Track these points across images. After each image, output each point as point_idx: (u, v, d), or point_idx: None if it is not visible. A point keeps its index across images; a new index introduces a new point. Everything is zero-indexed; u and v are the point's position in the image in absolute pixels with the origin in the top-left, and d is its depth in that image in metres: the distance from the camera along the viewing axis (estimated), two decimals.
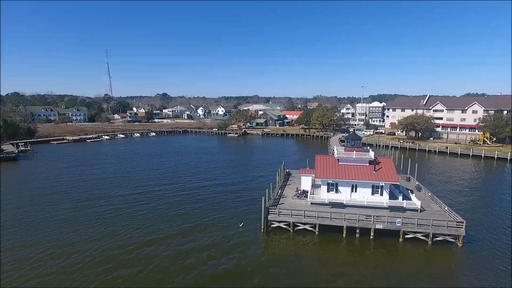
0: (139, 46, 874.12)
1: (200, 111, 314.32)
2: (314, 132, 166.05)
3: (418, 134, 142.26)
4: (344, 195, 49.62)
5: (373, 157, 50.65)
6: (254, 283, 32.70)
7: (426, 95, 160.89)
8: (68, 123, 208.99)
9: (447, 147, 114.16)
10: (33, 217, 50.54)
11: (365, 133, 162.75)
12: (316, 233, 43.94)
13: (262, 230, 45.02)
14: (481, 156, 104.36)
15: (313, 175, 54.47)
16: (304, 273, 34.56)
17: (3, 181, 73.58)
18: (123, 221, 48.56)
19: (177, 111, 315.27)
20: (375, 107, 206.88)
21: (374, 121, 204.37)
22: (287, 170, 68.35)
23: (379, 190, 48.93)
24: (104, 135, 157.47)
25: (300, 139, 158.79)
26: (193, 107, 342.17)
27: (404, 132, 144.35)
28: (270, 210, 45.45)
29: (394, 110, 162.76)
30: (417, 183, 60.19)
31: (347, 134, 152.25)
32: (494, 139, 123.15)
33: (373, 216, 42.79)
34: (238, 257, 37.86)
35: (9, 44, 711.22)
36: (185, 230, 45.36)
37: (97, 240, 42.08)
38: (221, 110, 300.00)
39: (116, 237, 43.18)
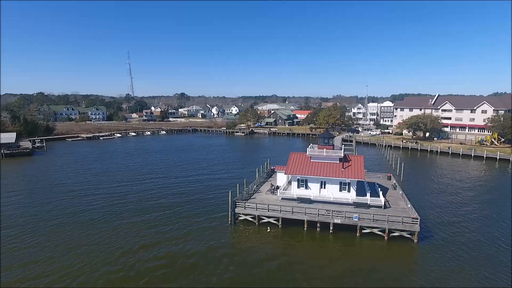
0: (161, 47, 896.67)
1: (214, 110, 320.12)
2: (320, 132, 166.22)
3: (425, 134, 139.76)
4: (313, 191, 51.36)
5: (342, 155, 52.03)
6: (198, 271, 35.38)
7: (435, 95, 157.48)
8: (87, 122, 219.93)
9: (449, 148, 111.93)
10: (30, 204, 55.81)
11: (372, 133, 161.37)
12: (279, 226, 46.11)
13: (229, 222, 47.70)
14: (483, 157, 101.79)
15: None
16: (258, 265, 36.70)
17: (16, 173, 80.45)
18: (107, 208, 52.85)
19: (193, 110, 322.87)
20: (386, 106, 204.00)
21: (385, 121, 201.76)
22: (272, 167, 70.48)
23: (347, 186, 50.34)
24: (116, 133, 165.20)
25: (305, 138, 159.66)
26: (209, 106, 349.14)
27: (411, 132, 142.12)
28: (237, 203, 48.02)
29: (402, 109, 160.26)
30: (394, 182, 60.84)
31: (352, 134, 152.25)
32: (503, 140, 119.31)
33: (332, 211, 44.42)
34: (201, 245, 40.74)
35: (39, 46, 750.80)
36: (156, 220, 48.82)
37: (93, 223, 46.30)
38: (234, 110, 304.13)
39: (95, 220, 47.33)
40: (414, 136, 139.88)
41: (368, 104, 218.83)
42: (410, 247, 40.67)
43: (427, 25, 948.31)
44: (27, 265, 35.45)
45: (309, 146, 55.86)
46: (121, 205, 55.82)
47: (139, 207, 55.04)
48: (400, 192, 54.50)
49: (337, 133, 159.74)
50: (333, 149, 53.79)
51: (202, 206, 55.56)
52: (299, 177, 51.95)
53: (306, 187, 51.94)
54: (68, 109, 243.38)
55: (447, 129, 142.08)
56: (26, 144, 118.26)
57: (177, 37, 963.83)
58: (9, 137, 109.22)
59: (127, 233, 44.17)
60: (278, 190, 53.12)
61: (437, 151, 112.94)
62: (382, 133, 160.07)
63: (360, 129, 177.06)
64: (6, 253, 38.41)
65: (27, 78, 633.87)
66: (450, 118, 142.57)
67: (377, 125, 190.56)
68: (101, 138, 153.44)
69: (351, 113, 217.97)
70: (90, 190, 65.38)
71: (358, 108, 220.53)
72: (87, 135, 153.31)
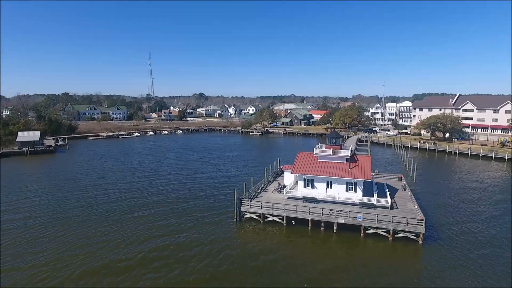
0: (180, 48, 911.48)
1: (231, 110, 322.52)
2: None
3: (445, 135, 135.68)
4: (319, 190, 51.41)
5: (349, 155, 51.76)
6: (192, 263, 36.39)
7: (456, 94, 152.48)
8: (108, 121, 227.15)
9: (468, 149, 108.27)
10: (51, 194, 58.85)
11: (389, 133, 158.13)
12: (284, 225, 46.50)
13: (235, 219, 48.54)
14: (505, 158, 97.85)
15: None
16: (255, 259, 37.48)
17: (38, 169, 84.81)
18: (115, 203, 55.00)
19: (210, 110, 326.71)
20: (405, 106, 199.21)
21: (404, 121, 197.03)
22: (281, 167, 70.78)
23: (353, 186, 50.07)
24: (135, 132, 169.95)
25: (320, 138, 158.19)
26: (226, 106, 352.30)
27: (430, 133, 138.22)
28: (242, 201, 48.79)
29: (421, 109, 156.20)
30: (404, 183, 59.83)
31: (368, 134, 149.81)
32: None
33: (336, 211, 44.39)
34: (204, 239, 41.86)
35: (65, 49, 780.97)
36: (160, 214, 50.36)
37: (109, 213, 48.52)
38: (251, 110, 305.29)
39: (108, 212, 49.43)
40: (432, 137, 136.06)
41: (387, 104, 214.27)
42: (415, 248, 40.08)
43: (458, 23, 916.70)
44: (40, 253, 37.92)
45: (317, 146, 55.93)
46: (132, 200, 57.99)
47: (149, 201, 57.08)
48: (409, 193, 53.59)
49: (353, 133, 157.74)
50: (341, 149, 53.63)
51: (210, 203, 56.81)
52: (305, 177, 52.13)
53: (313, 187, 52.04)
54: (90, 108, 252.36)
55: (468, 130, 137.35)
56: (49, 142, 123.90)
57: (196, 37, 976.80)
58: (34, 135, 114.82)
59: (136, 226, 45.90)
60: (284, 189, 53.50)
61: (455, 152, 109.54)
62: (400, 133, 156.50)
63: (377, 129, 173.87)
64: (22, 241, 40.97)
65: (53, 80, 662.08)
66: (471, 119, 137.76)
67: (395, 125, 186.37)
68: (120, 137, 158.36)
69: (369, 113, 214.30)
70: (104, 185, 68.23)
71: (376, 108, 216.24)
72: (107, 134, 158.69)
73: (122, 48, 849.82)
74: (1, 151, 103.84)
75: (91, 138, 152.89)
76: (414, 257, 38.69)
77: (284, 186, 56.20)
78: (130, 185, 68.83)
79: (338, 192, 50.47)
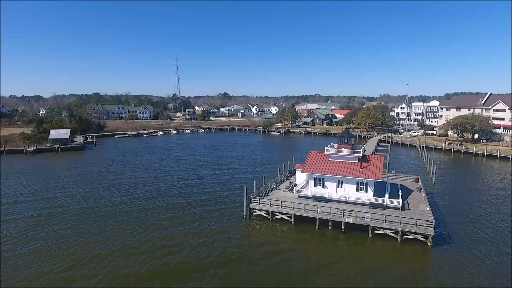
0: (206, 48, 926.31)
1: (254, 110, 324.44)
2: (357, 132, 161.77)
3: (473, 136, 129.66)
4: (329, 190, 51.34)
5: (361, 155, 51.27)
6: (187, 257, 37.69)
7: (487, 93, 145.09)
8: (135, 120, 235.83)
9: (497, 151, 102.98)
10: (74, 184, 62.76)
11: (413, 134, 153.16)
12: (292, 223, 46.93)
13: (244, 216, 49.57)
14: None
15: None
16: (257, 250, 38.34)
17: (67, 164, 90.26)
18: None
19: (233, 110, 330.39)
20: (432, 106, 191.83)
21: (431, 121, 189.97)
22: (295, 166, 70.98)
23: (364, 186, 49.60)
24: (159, 131, 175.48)
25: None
26: (249, 106, 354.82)
27: (457, 134, 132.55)
28: (252, 198, 49.70)
29: (448, 109, 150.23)
30: (420, 184, 58.34)
31: (391, 134, 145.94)
32: None
33: (343, 210, 44.26)
34: (212, 231, 43.28)
35: (97, 50, 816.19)
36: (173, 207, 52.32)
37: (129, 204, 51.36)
38: (274, 109, 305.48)
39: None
40: (460, 138, 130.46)
41: (413, 104, 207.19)
42: (424, 250, 39.23)
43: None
44: (63, 237, 40.80)
45: (329, 146, 55.83)
46: (149, 194, 60.63)
47: (164, 194, 59.57)
48: (424, 194, 52.26)
49: (376, 134, 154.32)
50: (353, 148, 53.23)
51: (222, 199, 58.42)
52: (315, 176, 52.23)
53: (323, 186, 52.05)
54: (119, 108, 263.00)
55: (499, 131, 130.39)
56: (79, 139, 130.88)
57: (224, 39, 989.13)
58: (64, 133, 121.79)
59: (150, 217, 48.17)
60: (295, 188, 53.86)
61: (483, 154, 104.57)
62: (425, 134, 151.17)
63: (401, 130, 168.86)
64: (46, 228, 44.27)
65: (85, 80, 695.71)
66: (503, 119, 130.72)
67: (421, 125, 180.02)
68: (145, 135, 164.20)
69: (394, 113, 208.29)
70: (125, 180, 71.71)
71: (401, 108, 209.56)
72: (133, 132, 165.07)
73: (151, 50, 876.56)
74: (35, 147, 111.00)
75: (118, 136, 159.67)
76: (421, 259, 37.92)
77: (295, 185, 56.52)
78: (149, 180, 71.90)
79: (348, 192, 50.18)
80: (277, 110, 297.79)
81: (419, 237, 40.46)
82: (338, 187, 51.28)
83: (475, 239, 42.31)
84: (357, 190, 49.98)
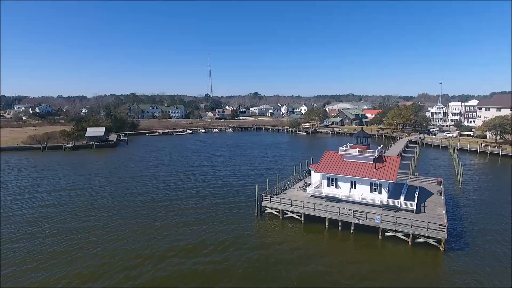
0: (240, 50, 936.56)
1: (283, 109, 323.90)
2: (387, 132, 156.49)
3: None
4: (343, 190, 50.79)
5: (376, 155, 50.18)
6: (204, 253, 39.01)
7: None
8: (167, 119, 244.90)
9: None
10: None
11: (447, 135, 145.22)
12: (302, 222, 47.05)
13: (256, 214, 50.43)
14: None
15: None
16: (264, 247, 39.08)
17: (100, 160, 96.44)
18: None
19: (263, 109, 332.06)
20: (471, 106, 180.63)
21: (470, 122, 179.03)
22: (310, 166, 70.58)
23: (378, 188, 48.53)
24: (188, 130, 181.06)
25: (371, 139, 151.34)
26: (280, 105, 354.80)
27: (495, 135, 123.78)
28: (263, 196, 50.42)
29: (487, 109, 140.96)
30: (441, 187, 55.80)
31: (423, 135, 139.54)
32: None
33: (353, 211, 43.70)
34: (222, 227, 44.68)
35: (133, 54, 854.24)
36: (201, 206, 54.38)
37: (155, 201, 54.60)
38: (303, 109, 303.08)
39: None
40: (499, 140, 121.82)
41: (450, 103, 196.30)
42: (435, 255, 37.77)
43: None
44: (87, 229, 44.17)
45: (345, 145, 55.17)
46: (171, 189, 63.43)
47: (182, 187, 62.19)
48: (443, 198, 50.06)
49: (407, 134, 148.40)
50: (368, 148, 52.23)
51: (237, 196, 59.68)
52: (328, 176, 51.90)
53: (336, 186, 51.59)
54: (152, 107, 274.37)
55: None
56: (113, 137, 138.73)
57: (257, 39, 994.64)
58: (99, 131, 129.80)
59: (170, 210, 50.67)
60: (308, 187, 53.82)
61: None
62: (461, 135, 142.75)
63: (435, 131, 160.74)
64: (76, 216, 48.01)
65: (124, 80, 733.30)
66: None
67: (458, 126, 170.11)
68: (174, 134, 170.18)
69: (429, 113, 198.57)
70: (149, 175, 75.29)
71: (437, 108, 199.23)
72: (163, 131, 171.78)
73: (188, 50, 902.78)
74: (73, 144, 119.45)
75: (149, 134, 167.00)
76: (430, 264, 36.47)
77: (309, 185, 56.40)
78: (172, 176, 75.39)
79: (362, 192, 49.34)
80: (306, 110, 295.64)
81: (431, 241, 39.03)
82: (352, 187, 50.58)
83: (491, 251, 39.27)
84: (371, 191, 48.99)
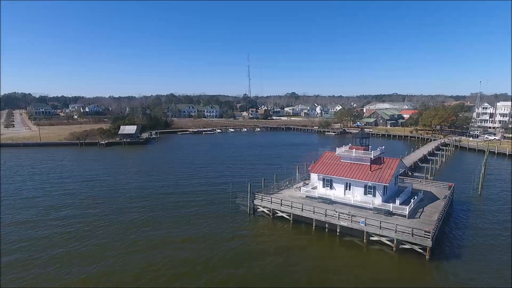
0: (281, 50, 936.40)
1: (318, 109, 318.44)
2: (421, 134, 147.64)
3: None
4: (337, 192, 49.73)
5: (372, 156, 48.42)
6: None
7: None
8: (202, 118, 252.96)
9: None
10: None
11: (488, 137, 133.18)
12: (291, 222, 46.93)
13: (248, 212, 51.13)
14: None
15: None
16: (261, 254, 39.87)
17: (129, 156, 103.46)
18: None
19: (297, 109, 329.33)
20: None
21: None
22: (310, 166, 69.41)
23: (372, 190, 46.85)
24: (217, 129, 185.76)
25: (403, 141, 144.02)
26: (315, 105, 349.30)
27: None
28: (255, 195, 50.99)
29: None
30: (449, 192, 52.14)
31: (459, 138, 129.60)
32: None
33: (339, 213, 42.74)
34: (215, 225, 46.21)
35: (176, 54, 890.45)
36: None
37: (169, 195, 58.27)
38: (338, 109, 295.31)
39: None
40: None
41: (498, 104, 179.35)
42: (419, 263, 35.78)
43: None
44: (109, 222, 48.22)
45: (343, 146, 53.92)
46: (185, 186, 66.59)
47: (192, 183, 64.78)
48: (443, 203, 46.88)
49: (442, 136, 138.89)
50: (368, 149, 50.48)
51: (235, 194, 60.44)
52: (323, 177, 51.10)
53: (331, 188, 50.63)
54: (189, 107, 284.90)
55: None
56: (144, 135, 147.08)
57: (300, 38, 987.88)
58: (132, 129, 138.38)
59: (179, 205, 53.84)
60: (303, 187, 53.36)
61: None
62: (505, 137, 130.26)
63: (477, 133, 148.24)
64: (103, 208, 52.55)
65: (160, 81, 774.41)
66: None
67: (505, 128, 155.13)
68: (203, 133, 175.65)
69: (474, 114, 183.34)
70: (169, 171, 79.69)
71: (483, 108, 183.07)
72: (193, 130, 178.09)
73: (227, 51, 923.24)
74: (107, 141, 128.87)
75: (180, 133, 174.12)
76: (408, 272, 34.65)
77: (305, 185, 55.83)
78: (189, 172, 79.80)
79: (356, 195, 47.94)
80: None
81: (416, 247, 37.04)
82: (346, 189, 49.32)
83: (482, 267, 35.35)
84: (365, 193, 47.43)
